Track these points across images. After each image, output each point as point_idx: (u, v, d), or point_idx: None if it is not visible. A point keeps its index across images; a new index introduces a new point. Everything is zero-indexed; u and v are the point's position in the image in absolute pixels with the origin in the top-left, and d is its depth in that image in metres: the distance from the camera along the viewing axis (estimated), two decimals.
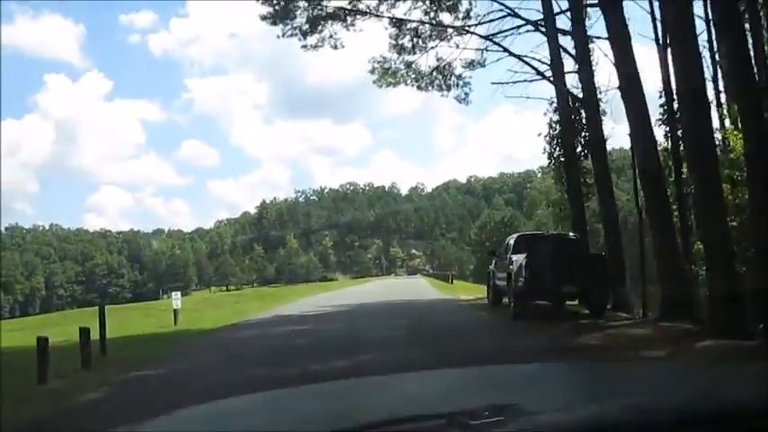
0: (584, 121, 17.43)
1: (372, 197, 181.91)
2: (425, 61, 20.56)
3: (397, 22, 19.90)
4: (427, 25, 20.17)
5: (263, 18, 19.04)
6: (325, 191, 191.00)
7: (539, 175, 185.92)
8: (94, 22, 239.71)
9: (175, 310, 16.60)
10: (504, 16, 19.01)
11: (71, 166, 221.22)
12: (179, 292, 17.06)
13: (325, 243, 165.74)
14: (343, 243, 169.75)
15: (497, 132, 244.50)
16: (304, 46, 19.70)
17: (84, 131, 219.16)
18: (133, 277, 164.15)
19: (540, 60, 18.40)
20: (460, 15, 20.08)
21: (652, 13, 15.80)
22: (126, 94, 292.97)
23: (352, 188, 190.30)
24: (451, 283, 42.07)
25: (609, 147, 18.63)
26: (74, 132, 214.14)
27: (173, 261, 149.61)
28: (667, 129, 15.69)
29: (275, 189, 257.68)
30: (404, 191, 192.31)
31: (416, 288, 36.71)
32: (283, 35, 19.41)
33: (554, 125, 18.27)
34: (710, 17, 14.19)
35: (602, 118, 16.95)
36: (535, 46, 24.26)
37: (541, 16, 17.90)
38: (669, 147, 15.54)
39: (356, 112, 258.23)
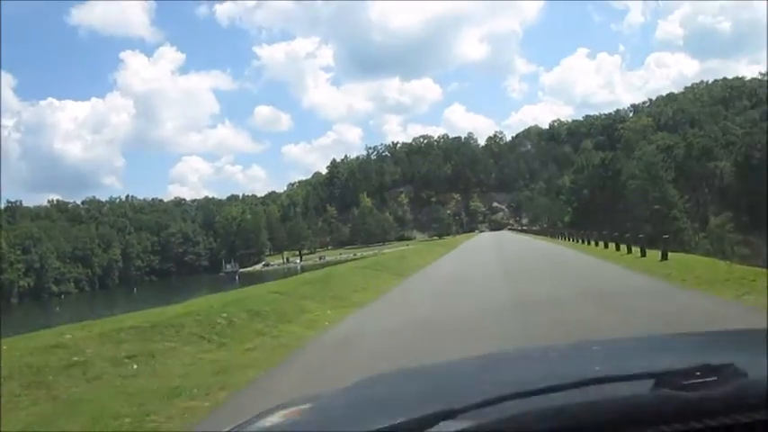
0: None
1: (448, 150, 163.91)
2: None
3: None
4: None
5: None
6: (398, 146, 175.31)
7: (630, 115, 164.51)
8: None
9: None
10: None
11: (153, 139, 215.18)
12: None
13: (401, 200, 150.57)
14: (419, 199, 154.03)
15: (573, 79, 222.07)
16: None
17: (163, 105, 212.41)
18: (208, 245, 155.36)
19: None
20: None
21: None
22: (198, 66, 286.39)
23: (425, 141, 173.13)
24: (642, 255, 17.71)
25: None
26: (152, 107, 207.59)
27: (244, 226, 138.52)
28: None
29: (348, 150, 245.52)
30: (481, 141, 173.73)
31: (581, 268, 18.85)
32: None
33: None
34: None
35: None
36: None
37: None
38: None
39: (424, 66, 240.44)
